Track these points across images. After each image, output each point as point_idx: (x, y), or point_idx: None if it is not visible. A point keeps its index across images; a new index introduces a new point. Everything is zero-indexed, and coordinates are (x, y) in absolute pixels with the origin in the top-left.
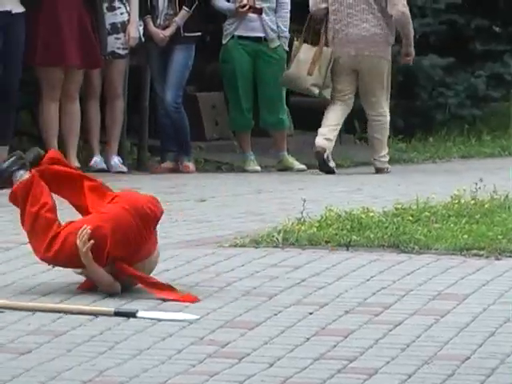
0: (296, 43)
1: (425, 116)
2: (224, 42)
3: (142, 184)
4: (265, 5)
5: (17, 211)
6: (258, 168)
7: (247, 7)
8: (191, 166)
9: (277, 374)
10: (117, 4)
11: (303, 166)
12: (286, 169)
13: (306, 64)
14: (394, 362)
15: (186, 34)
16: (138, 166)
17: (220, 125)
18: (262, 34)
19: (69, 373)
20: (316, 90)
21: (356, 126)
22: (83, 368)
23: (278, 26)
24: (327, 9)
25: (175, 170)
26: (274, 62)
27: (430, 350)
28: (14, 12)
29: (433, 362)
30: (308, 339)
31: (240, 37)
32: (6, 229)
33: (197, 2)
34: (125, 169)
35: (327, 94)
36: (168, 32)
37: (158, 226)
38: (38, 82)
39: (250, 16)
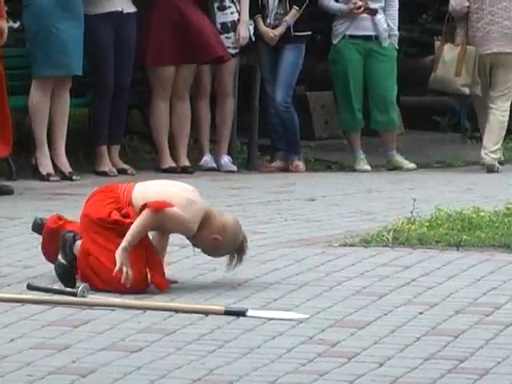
0: (437, 43)
1: None
2: (335, 41)
3: (251, 183)
4: (376, 4)
5: None
6: (368, 167)
7: (362, 8)
8: (301, 165)
9: (387, 374)
10: (227, 3)
11: (413, 165)
12: (395, 168)
13: (452, 65)
14: (505, 362)
15: (296, 34)
16: (247, 165)
17: (330, 124)
18: (373, 33)
19: (179, 371)
20: (467, 91)
21: (467, 125)
22: (193, 366)
23: (388, 25)
24: (468, 7)
25: (285, 169)
26: (386, 60)
27: None
28: (125, 12)
29: None
30: (418, 339)
31: (351, 36)
32: None
33: (307, 2)
34: (234, 168)
35: (478, 91)
36: (278, 31)
37: (269, 226)
38: (148, 81)
39: (361, 15)
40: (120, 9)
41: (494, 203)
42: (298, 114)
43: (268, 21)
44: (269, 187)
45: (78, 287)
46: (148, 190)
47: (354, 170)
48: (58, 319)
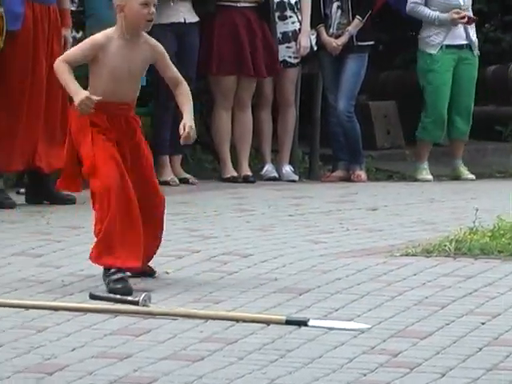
0: None
1: None
2: (433, 51)
3: (313, 193)
4: (471, 14)
5: (190, 219)
6: (430, 177)
7: (466, 19)
8: (363, 174)
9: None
10: (288, 13)
11: (472, 176)
12: (457, 177)
13: None
14: None
15: (358, 43)
16: (309, 174)
17: (391, 134)
18: (465, 42)
19: (240, 380)
20: None
21: None
22: (254, 376)
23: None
24: None
25: (346, 179)
26: (473, 68)
27: None
28: (188, 22)
29: None
30: (480, 349)
31: (448, 46)
32: (180, 237)
33: (370, 12)
34: (296, 177)
35: None
36: (341, 41)
37: (331, 235)
38: (211, 91)
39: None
40: (183, 19)
41: None
42: (359, 124)
43: (331, 30)
44: (330, 197)
45: (140, 296)
46: None
47: (416, 180)
48: (119, 328)
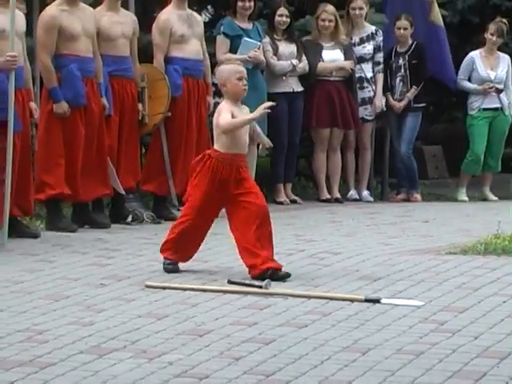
0: None
1: None
2: (472, 112)
3: (383, 210)
4: (500, 86)
5: (297, 228)
6: (467, 199)
7: (493, 88)
8: (418, 197)
9: (480, 344)
10: (365, 84)
11: (496, 198)
12: (484, 199)
13: None
14: None
15: (415, 105)
16: (381, 197)
17: (439, 168)
18: (498, 105)
19: (333, 341)
20: None
21: None
22: (343, 338)
23: (507, 99)
24: None
25: (407, 200)
26: (505, 124)
27: None
28: (295, 90)
29: None
30: (502, 320)
31: (484, 109)
32: (290, 240)
33: (423, 83)
34: (371, 199)
35: None
36: (402, 103)
37: (396, 239)
38: (312, 138)
39: (490, 93)
40: (292, 89)
41: None
42: (416, 161)
43: (395, 96)
44: (396, 213)
45: (263, 282)
46: None
47: (456, 200)
48: (249, 304)
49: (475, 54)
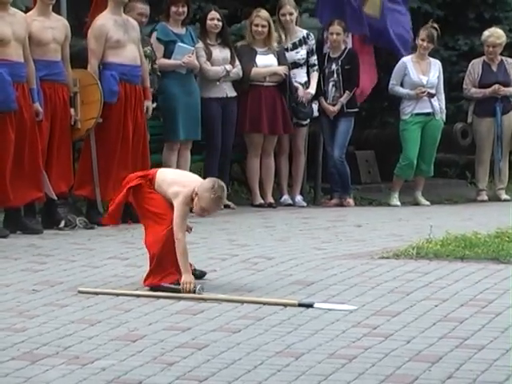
0: None
1: None
2: (405, 117)
3: (316, 214)
4: (431, 91)
5: (230, 233)
6: (399, 203)
7: (426, 93)
8: (351, 201)
9: (412, 348)
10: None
11: (428, 203)
12: (416, 204)
13: None
14: (496, 340)
15: (348, 110)
16: (314, 201)
17: (371, 173)
18: (430, 110)
19: (266, 346)
20: None
21: (467, 174)
22: (276, 343)
23: (439, 104)
24: None
25: (340, 205)
26: (435, 129)
27: None
28: (229, 96)
29: None
30: (434, 324)
31: (416, 114)
32: (223, 245)
33: (356, 88)
34: (304, 204)
35: None
36: (335, 108)
37: (329, 244)
38: (246, 143)
39: (422, 98)
40: (225, 94)
41: (487, 228)
42: (349, 166)
43: (328, 101)
44: (328, 217)
45: (196, 287)
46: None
47: (389, 205)
48: (182, 309)
49: (407, 60)
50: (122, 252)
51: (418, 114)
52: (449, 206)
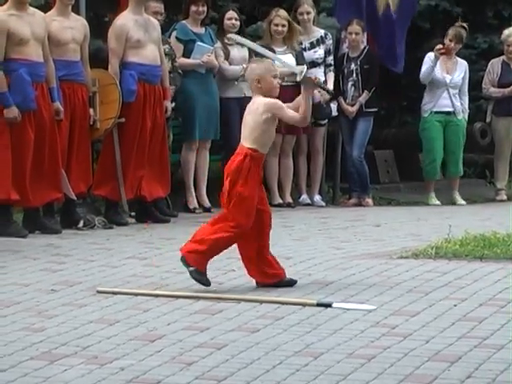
0: None
1: None
2: (424, 115)
3: (335, 214)
4: (454, 91)
5: None
6: (439, 202)
7: (444, 50)
8: (370, 201)
9: (431, 348)
10: (317, 89)
11: (464, 202)
12: (454, 203)
13: None
14: None
15: (366, 110)
16: (332, 201)
17: (390, 173)
18: (451, 109)
19: (285, 345)
20: None
21: (487, 173)
22: (295, 342)
23: (461, 104)
24: None
25: (358, 205)
26: (458, 128)
27: None
28: (247, 95)
29: None
30: (453, 323)
31: (436, 112)
32: None
33: (374, 88)
34: (323, 203)
35: None
36: (354, 108)
37: (348, 244)
38: None
39: (443, 96)
40: (243, 94)
41: (506, 228)
42: (368, 166)
43: (347, 100)
44: (347, 217)
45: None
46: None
47: (428, 205)
48: (201, 309)
49: (432, 55)
50: (141, 252)
51: (437, 113)
52: (468, 205)
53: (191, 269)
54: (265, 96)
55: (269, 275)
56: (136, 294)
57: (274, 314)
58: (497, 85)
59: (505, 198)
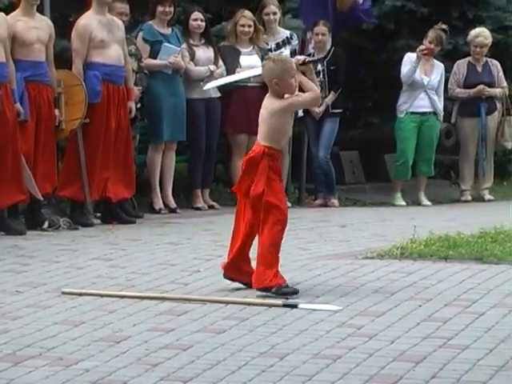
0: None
1: (500, 167)
2: (400, 115)
3: (301, 215)
4: (431, 92)
5: (215, 234)
6: (404, 203)
7: (425, 51)
8: (336, 202)
9: (396, 349)
10: None
11: (430, 203)
12: (419, 204)
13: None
14: (479, 340)
15: (333, 111)
16: (298, 202)
17: (355, 173)
18: (427, 110)
19: (250, 346)
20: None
21: (452, 174)
22: (261, 343)
23: (437, 104)
24: None
25: (324, 205)
26: (433, 129)
27: (505, 332)
28: (213, 96)
29: (507, 340)
30: (418, 324)
31: (412, 112)
32: (208, 246)
33: (341, 89)
34: (289, 204)
35: None
36: (321, 109)
37: (314, 244)
38: (229, 144)
39: (420, 97)
40: (209, 95)
41: (471, 229)
42: (333, 167)
43: None
44: (313, 218)
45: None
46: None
47: (393, 205)
48: (166, 310)
49: (412, 56)
50: (106, 253)
51: (413, 113)
52: (433, 206)
53: (273, 291)
54: (279, 95)
55: (242, 272)
56: (101, 295)
57: (239, 315)
58: (462, 86)
59: (469, 198)
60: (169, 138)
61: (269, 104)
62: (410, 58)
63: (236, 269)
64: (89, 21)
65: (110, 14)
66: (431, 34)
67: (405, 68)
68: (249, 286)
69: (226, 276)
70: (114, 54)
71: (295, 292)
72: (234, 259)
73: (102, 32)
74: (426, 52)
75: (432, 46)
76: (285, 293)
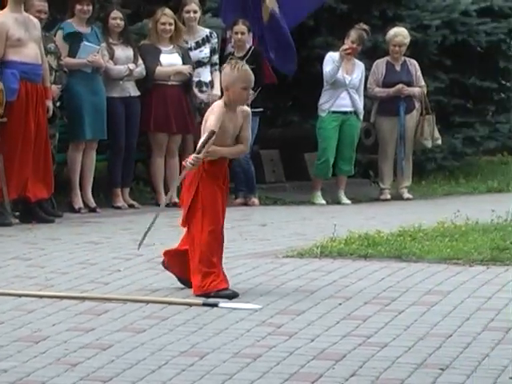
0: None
1: (419, 166)
2: (322, 114)
3: None
4: (352, 91)
5: (135, 233)
6: (324, 201)
7: (349, 50)
8: (256, 201)
9: (316, 347)
10: (204, 88)
11: (349, 202)
12: (339, 203)
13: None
14: (398, 338)
15: (253, 110)
16: None
17: (276, 172)
18: (348, 109)
19: (170, 346)
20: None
21: (370, 173)
22: (181, 342)
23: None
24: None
25: (244, 204)
26: (354, 128)
27: (424, 330)
28: (132, 95)
29: (425, 338)
30: (338, 322)
31: (333, 111)
32: (128, 245)
33: (260, 88)
34: None
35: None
36: None
37: (234, 243)
38: (149, 143)
39: (341, 96)
40: (128, 94)
41: (390, 227)
42: (254, 165)
43: None
44: (234, 216)
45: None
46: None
47: (313, 204)
48: (86, 309)
49: (335, 56)
50: (25, 252)
51: (334, 112)
52: (352, 204)
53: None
54: (228, 104)
55: (187, 269)
56: (20, 295)
57: (159, 314)
58: (381, 85)
59: (389, 197)
60: (90, 137)
61: (209, 113)
62: (331, 57)
63: (182, 264)
64: (5, 19)
65: (29, 12)
66: (354, 33)
67: (327, 67)
68: (182, 282)
69: (164, 263)
70: (31, 52)
71: (233, 295)
72: (181, 252)
73: (18, 30)
74: (349, 52)
75: (355, 45)
76: (225, 296)
